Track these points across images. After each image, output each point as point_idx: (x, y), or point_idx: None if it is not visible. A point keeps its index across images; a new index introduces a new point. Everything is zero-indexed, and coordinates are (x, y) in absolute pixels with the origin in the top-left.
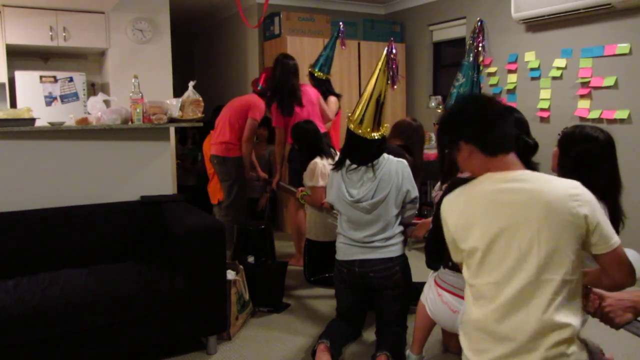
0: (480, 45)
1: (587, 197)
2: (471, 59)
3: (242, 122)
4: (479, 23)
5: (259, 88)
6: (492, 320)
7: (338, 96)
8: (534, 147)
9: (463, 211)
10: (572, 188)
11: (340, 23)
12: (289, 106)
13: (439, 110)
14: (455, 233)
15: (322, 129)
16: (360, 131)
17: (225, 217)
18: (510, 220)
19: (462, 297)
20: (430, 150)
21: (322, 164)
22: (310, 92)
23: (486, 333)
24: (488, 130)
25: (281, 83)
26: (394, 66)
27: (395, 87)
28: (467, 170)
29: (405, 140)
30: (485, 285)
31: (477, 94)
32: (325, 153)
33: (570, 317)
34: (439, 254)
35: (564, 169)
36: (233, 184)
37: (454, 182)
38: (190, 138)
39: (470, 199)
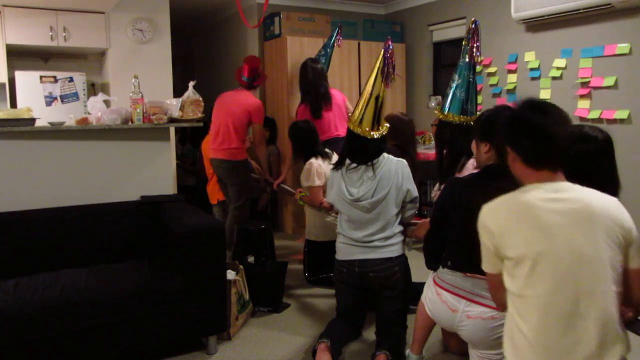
0: (475, 45)
1: (626, 211)
2: (466, 59)
3: (246, 126)
4: (474, 24)
5: (243, 80)
6: (551, 333)
7: None
8: None
9: (508, 219)
10: (617, 202)
11: (339, 26)
12: (320, 109)
13: (436, 111)
14: (499, 241)
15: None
16: (359, 130)
17: (235, 217)
18: (561, 229)
19: (460, 297)
20: (430, 150)
21: (317, 164)
22: (336, 95)
23: (544, 348)
24: (534, 142)
25: (315, 87)
26: (390, 64)
27: (389, 86)
28: (514, 174)
29: (399, 138)
30: (539, 296)
31: (539, 99)
32: (321, 154)
33: (623, 330)
34: (437, 253)
35: (563, 169)
36: (244, 186)
37: (450, 182)
38: (188, 138)
39: (516, 207)
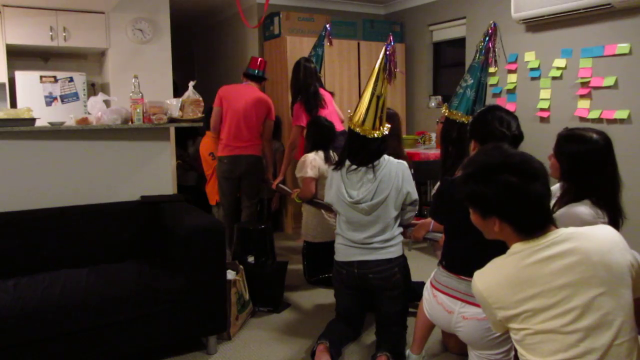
0: (492, 47)
1: (623, 239)
2: (481, 60)
3: (263, 122)
4: (493, 25)
5: (258, 73)
6: None
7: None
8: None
9: (507, 292)
10: (614, 236)
11: (327, 24)
12: (315, 107)
13: (443, 109)
14: (504, 318)
15: (340, 127)
16: (360, 130)
17: (252, 213)
18: (568, 291)
19: (456, 298)
20: (430, 150)
21: (312, 157)
22: (326, 93)
23: None
24: (533, 214)
25: (306, 86)
26: (392, 61)
27: (391, 83)
28: (490, 237)
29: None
30: None
31: (510, 152)
32: (326, 156)
33: None
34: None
35: (560, 173)
36: (259, 182)
37: (443, 184)
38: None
39: (515, 279)
